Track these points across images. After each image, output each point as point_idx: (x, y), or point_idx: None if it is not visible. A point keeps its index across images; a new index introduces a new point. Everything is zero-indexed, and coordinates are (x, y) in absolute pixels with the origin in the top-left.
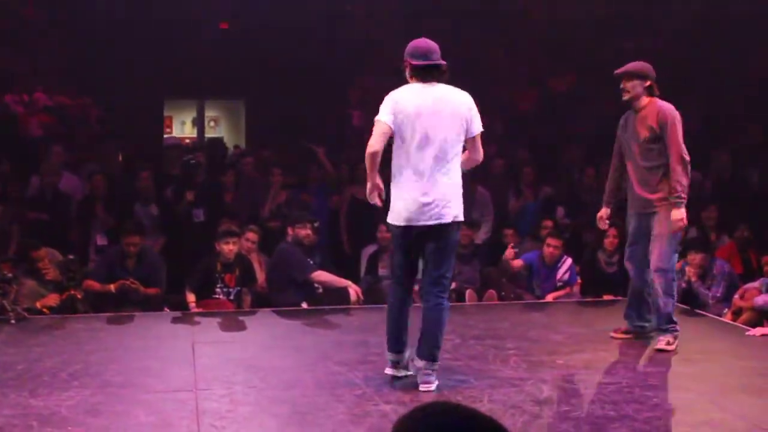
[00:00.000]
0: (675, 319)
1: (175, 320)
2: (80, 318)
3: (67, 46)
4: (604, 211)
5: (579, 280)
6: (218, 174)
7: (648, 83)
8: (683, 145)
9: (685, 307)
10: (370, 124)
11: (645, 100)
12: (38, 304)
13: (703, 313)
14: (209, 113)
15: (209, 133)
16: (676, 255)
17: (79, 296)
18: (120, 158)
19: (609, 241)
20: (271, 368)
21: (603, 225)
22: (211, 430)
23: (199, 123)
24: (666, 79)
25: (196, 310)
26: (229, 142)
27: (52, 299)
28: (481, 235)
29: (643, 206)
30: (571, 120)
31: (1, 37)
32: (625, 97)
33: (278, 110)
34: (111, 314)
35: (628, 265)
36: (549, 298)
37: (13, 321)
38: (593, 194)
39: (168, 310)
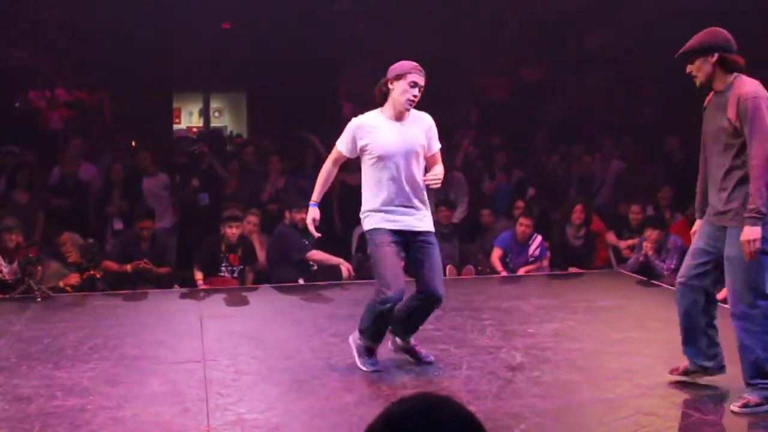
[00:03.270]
0: None
1: (184, 296)
2: (99, 296)
3: (83, 45)
4: (696, 224)
5: (548, 255)
6: (219, 161)
7: (716, 56)
8: None
9: (642, 278)
10: (358, 114)
11: (724, 78)
12: (61, 283)
13: (659, 283)
14: (214, 104)
15: (214, 123)
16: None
17: (98, 276)
18: (133, 144)
19: (576, 216)
20: (272, 340)
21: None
22: (217, 397)
23: (204, 113)
24: (630, 70)
25: (203, 286)
26: (233, 131)
27: (74, 278)
28: (458, 215)
29: (717, 218)
30: (540, 108)
31: (23, 38)
32: (697, 82)
33: (276, 101)
34: (127, 292)
35: (682, 288)
36: (521, 272)
37: (39, 299)
38: (558, 177)
39: (178, 287)
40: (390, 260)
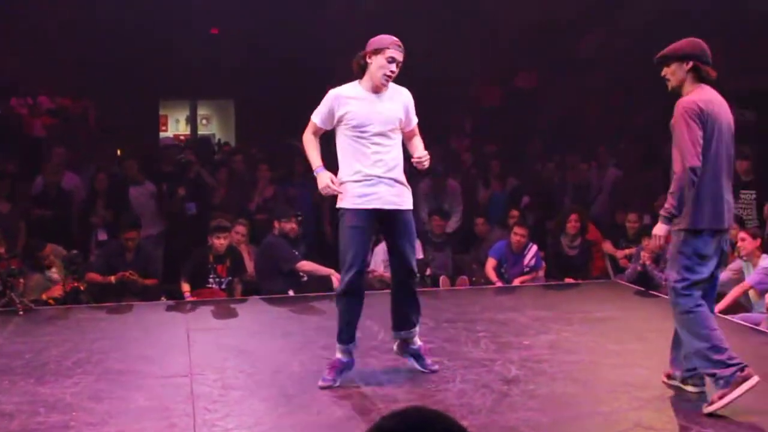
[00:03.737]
0: (717, 357)
1: (171, 309)
2: (83, 308)
3: (69, 52)
4: None
5: (544, 265)
6: (208, 170)
7: (690, 64)
8: (691, 150)
9: (640, 288)
10: None
11: (691, 87)
12: (44, 296)
13: (657, 293)
14: (201, 112)
15: (202, 131)
16: (687, 286)
17: (82, 288)
18: (118, 153)
19: (571, 226)
20: (260, 353)
21: None
22: (204, 413)
23: (192, 121)
24: (629, 72)
25: (190, 299)
26: (221, 138)
27: (57, 291)
28: (452, 225)
29: None
30: (534, 114)
31: (7, 44)
32: (669, 86)
33: (265, 108)
34: (112, 304)
35: None
36: (516, 282)
37: (21, 312)
38: (553, 185)
39: (164, 300)
40: (355, 243)
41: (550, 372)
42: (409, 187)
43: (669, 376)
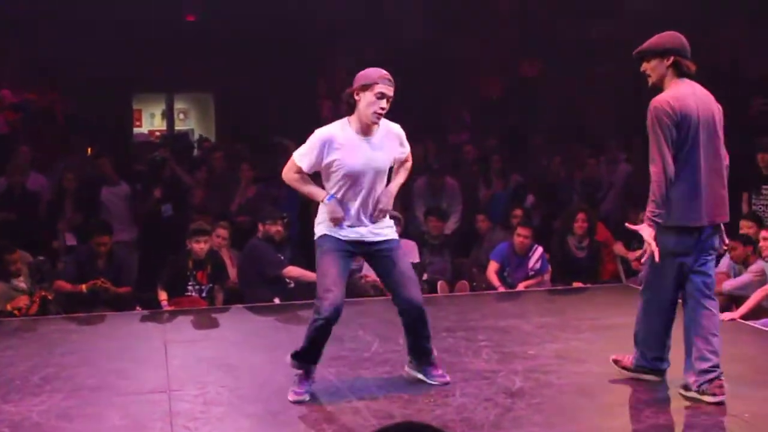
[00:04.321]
0: (647, 353)
1: (147, 319)
2: (52, 319)
3: (34, 42)
4: None
5: (550, 269)
6: (185, 168)
7: (671, 59)
8: (665, 152)
9: None
10: (338, 115)
11: (671, 82)
12: (9, 306)
13: None
14: (178, 105)
15: (179, 126)
16: (660, 294)
17: (50, 297)
18: (89, 152)
19: (578, 226)
20: (244, 366)
21: None
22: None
23: (168, 115)
24: (634, 66)
25: (168, 308)
26: (200, 134)
27: (23, 301)
28: (451, 225)
29: None
30: (537, 107)
31: None
32: (649, 81)
33: (247, 101)
34: (82, 315)
35: None
36: (520, 287)
37: None
38: (560, 182)
39: (140, 309)
40: (333, 269)
41: (557, 384)
42: (393, 222)
43: (685, 387)
